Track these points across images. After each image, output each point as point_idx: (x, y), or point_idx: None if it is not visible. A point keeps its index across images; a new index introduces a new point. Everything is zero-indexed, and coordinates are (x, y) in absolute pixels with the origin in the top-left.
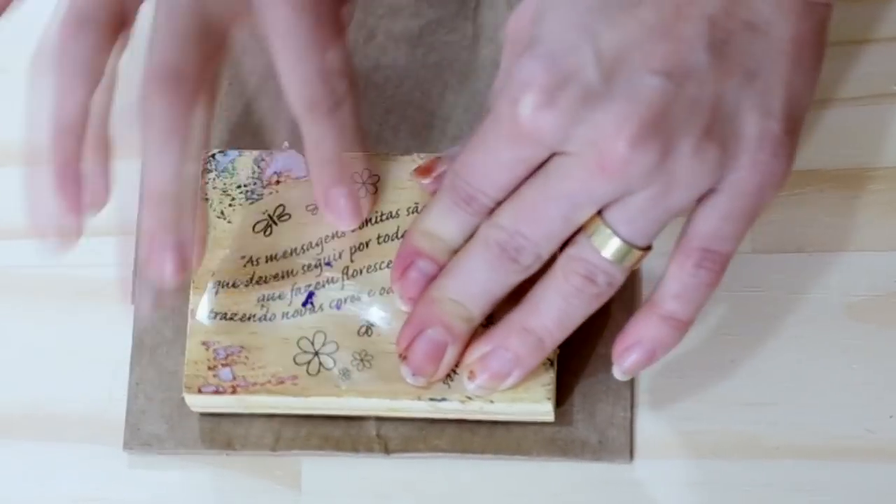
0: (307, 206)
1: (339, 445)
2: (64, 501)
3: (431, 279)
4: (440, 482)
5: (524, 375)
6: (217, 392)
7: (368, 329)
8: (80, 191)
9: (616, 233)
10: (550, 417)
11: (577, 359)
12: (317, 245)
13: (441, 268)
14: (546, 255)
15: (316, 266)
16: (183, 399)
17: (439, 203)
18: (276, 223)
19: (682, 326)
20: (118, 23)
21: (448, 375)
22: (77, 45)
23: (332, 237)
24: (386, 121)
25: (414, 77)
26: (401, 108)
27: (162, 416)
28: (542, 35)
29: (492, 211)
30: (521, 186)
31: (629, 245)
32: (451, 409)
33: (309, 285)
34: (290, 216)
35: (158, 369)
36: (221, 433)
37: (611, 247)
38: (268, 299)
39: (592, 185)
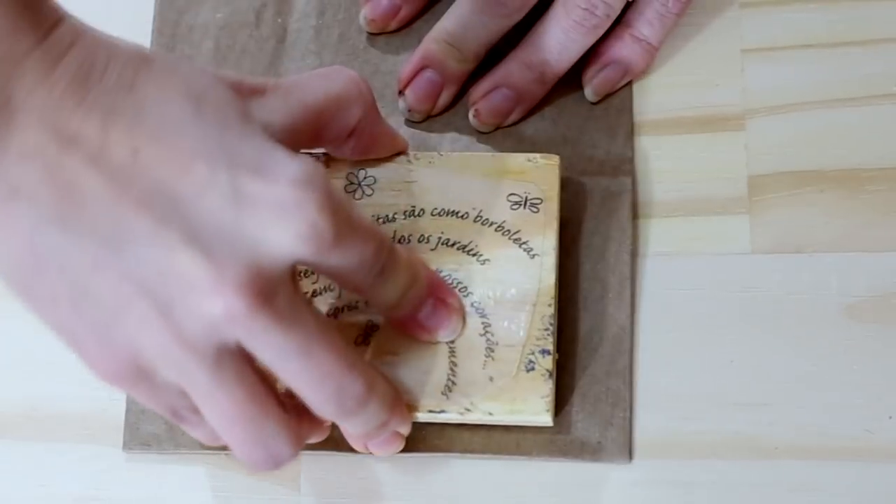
0: None
1: (338, 445)
2: (63, 501)
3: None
4: (439, 482)
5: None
6: None
7: (366, 337)
8: None
9: None
10: (549, 426)
11: (576, 359)
12: None
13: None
14: None
15: (313, 273)
16: None
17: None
18: None
19: (653, 51)
20: None
21: (446, 386)
22: None
23: None
24: None
25: None
26: (400, 113)
27: (161, 417)
28: None
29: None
30: None
31: None
32: (449, 419)
33: (306, 293)
34: None
35: None
36: None
37: None
38: None
39: None
